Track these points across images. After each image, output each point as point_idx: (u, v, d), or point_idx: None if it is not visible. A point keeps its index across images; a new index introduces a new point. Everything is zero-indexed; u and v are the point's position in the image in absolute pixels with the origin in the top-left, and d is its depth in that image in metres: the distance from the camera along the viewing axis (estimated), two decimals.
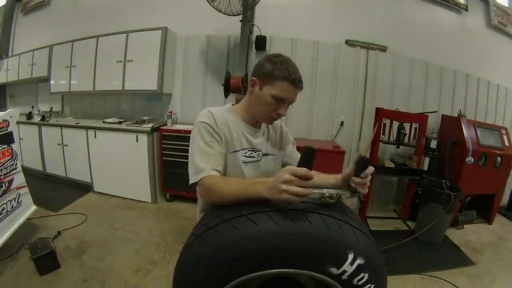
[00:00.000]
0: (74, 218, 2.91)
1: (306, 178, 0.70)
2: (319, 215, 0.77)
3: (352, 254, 0.74)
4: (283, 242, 0.72)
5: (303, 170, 0.69)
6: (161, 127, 3.39)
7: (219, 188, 0.87)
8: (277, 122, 1.19)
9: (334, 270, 0.74)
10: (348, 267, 0.74)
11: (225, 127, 1.04)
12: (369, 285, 0.79)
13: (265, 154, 1.14)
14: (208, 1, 2.76)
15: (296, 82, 0.98)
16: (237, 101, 3.24)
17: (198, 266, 0.77)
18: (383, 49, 3.56)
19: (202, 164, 0.94)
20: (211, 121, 1.01)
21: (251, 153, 1.09)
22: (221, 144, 1.02)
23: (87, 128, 3.50)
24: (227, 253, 0.74)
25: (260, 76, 1.01)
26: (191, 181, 0.96)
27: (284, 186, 0.70)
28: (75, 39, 3.90)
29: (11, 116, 2.33)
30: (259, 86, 1.01)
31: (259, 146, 1.12)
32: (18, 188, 2.34)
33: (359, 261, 0.75)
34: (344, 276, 0.75)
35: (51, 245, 2.16)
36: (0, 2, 4.76)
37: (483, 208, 3.45)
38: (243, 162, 1.07)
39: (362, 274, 0.76)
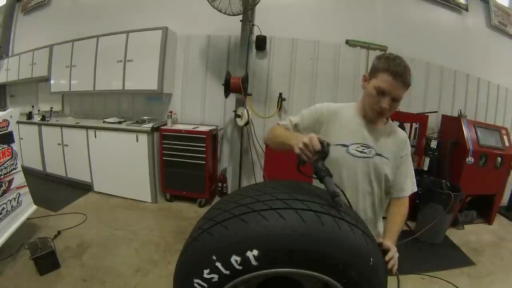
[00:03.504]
0: (74, 218, 2.90)
1: (316, 152, 0.87)
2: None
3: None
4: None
5: (317, 146, 0.86)
6: (161, 127, 3.39)
7: (274, 131, 1.13)
8: (402, 134, 1.19)
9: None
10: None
11: (336, 117, 1.14)
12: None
13: (379, 154, 1.12)
14: (208, 1, 2.76)
15: (395, 74, 0.99)
16: (237, 101, 3.24)
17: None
18: (383, 49, 3.55)
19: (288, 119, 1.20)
20: (320, 107, 1.17)
21: (363, 149, 1.10)
22: (311, 124, 1.16)
23: (87, 128, 3.50)
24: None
25: (369, 72, 1.10)
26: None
27: (301, 145, 0.87)
28: (75, 39, 3.90)
29: (11, 116, 2.33)
30: (368, 81, 1.10)
31: (372, 144, 1.12)
32: (18, 188, 2.34)
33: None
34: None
35: (51, 245, 2.16)
36: (0, 2, 4.76)
37: (483, 208, 3.44)
38: (354, 155, 1.10)
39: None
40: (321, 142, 0.87)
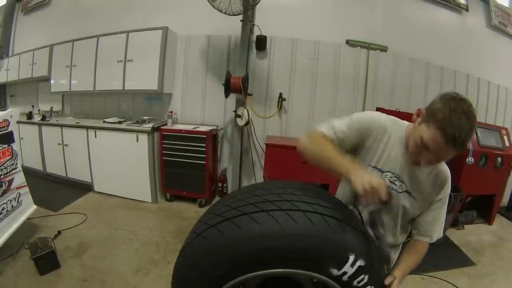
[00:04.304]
0: (74, 218, 2.90)
1: (381, 201, 0.79)
2: (321, 215, 0.76)
3: (353, 255, 0.74)
4: (283, 242, 0.72)
5: (384, 196, 0.78)
6: (162, 127, 3.39)
7: (318, 143, 0.95)
8: (444, 174, 1.02)
9: (335, 271, 0.74)
10: (349, 269, 0.74)
11: (384, 136, 0.99)
12: (369, 287, 0.79)
13: (408, 192, 1.01)
14: (208, 1, 2.76)
15: (449, 138, 0.79)
16: (237, 101, 3.23)
17: (197, 265, 0.77)
18: (383, 49, 3.56)
19: (331, 123, 1.01)
20: (373, 120, 1.00)
21: (395, 180, 1.00)
22: (356, 139, 1.00)
23: (87, 128, 3.50)
24: (226, 252, 0.74)
25: (427, 110, 0.89)
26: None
27: (367, 186, 0.77)
28: (75, 39, 3.90)
29: (11, 116, 2.32)
30: (420, 119, 0.90)
31: (406, 179, 1.00)
32: (18, 188, 2.34)
33: (359, 263, 0.75)
34: (345, 277, 0.75)
35: (51, 245, 2.16)
36: (0, 2, 4.75)
37: (484, 208, 3.44)
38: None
39: (362, 276, 0.76)
40: (389, 193, 0.79)
